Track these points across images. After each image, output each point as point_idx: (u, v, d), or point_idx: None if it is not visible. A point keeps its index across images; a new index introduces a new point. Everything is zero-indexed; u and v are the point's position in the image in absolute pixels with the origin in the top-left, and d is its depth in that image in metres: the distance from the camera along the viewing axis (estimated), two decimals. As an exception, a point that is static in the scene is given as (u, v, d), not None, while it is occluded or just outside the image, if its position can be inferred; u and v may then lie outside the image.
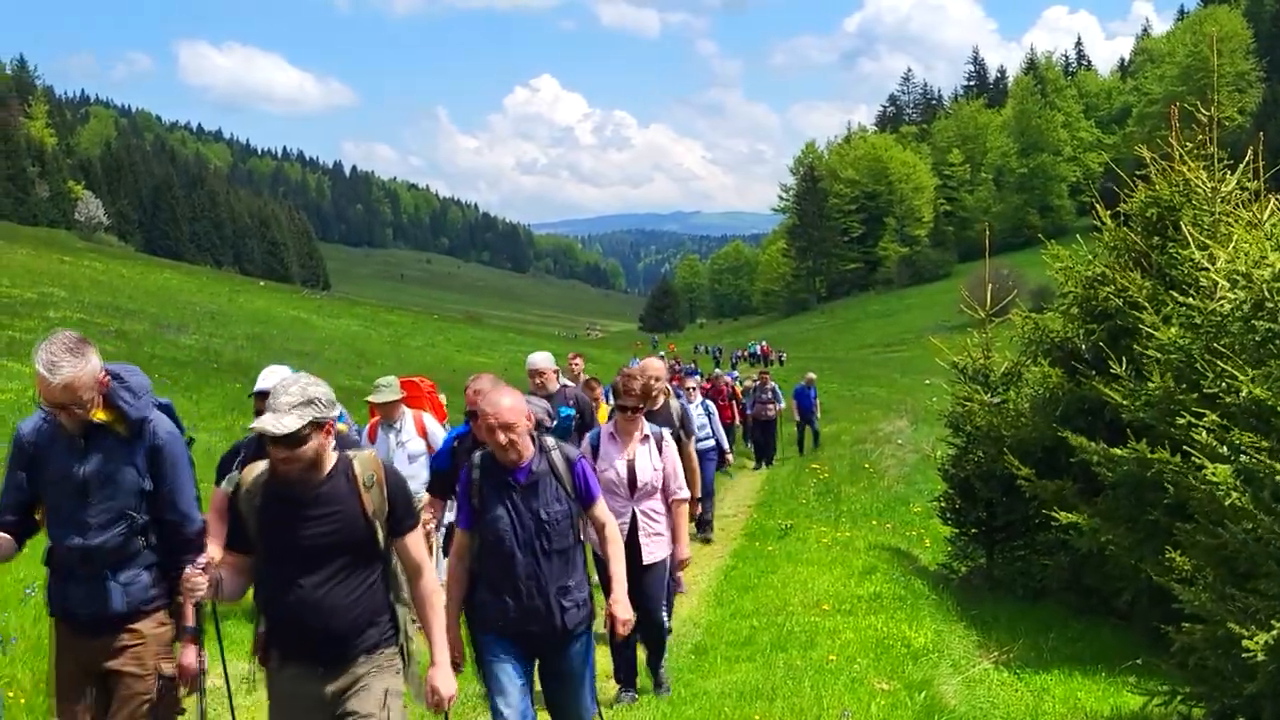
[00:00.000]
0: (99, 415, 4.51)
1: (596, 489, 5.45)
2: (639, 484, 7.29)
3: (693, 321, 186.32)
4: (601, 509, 5.48)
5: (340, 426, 7.37)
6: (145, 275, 68.76)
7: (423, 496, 7.36)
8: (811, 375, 29.55)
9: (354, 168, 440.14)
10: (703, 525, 14.29)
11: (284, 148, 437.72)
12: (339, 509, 4.20)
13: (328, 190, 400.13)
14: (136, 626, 4.59)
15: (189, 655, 4.68)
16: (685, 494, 7.61)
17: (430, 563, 4.53)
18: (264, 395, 6.06)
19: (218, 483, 6.18)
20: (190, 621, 4.67)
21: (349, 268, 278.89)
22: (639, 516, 7.28)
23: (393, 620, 4.40)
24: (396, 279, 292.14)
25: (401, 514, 4.36)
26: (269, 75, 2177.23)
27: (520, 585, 5.10)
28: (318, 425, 4.11)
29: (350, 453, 4.35)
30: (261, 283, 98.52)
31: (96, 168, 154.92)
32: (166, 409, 4.83)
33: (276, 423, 4.01)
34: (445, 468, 6.55)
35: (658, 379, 9.46)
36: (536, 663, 5.37)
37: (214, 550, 4.51)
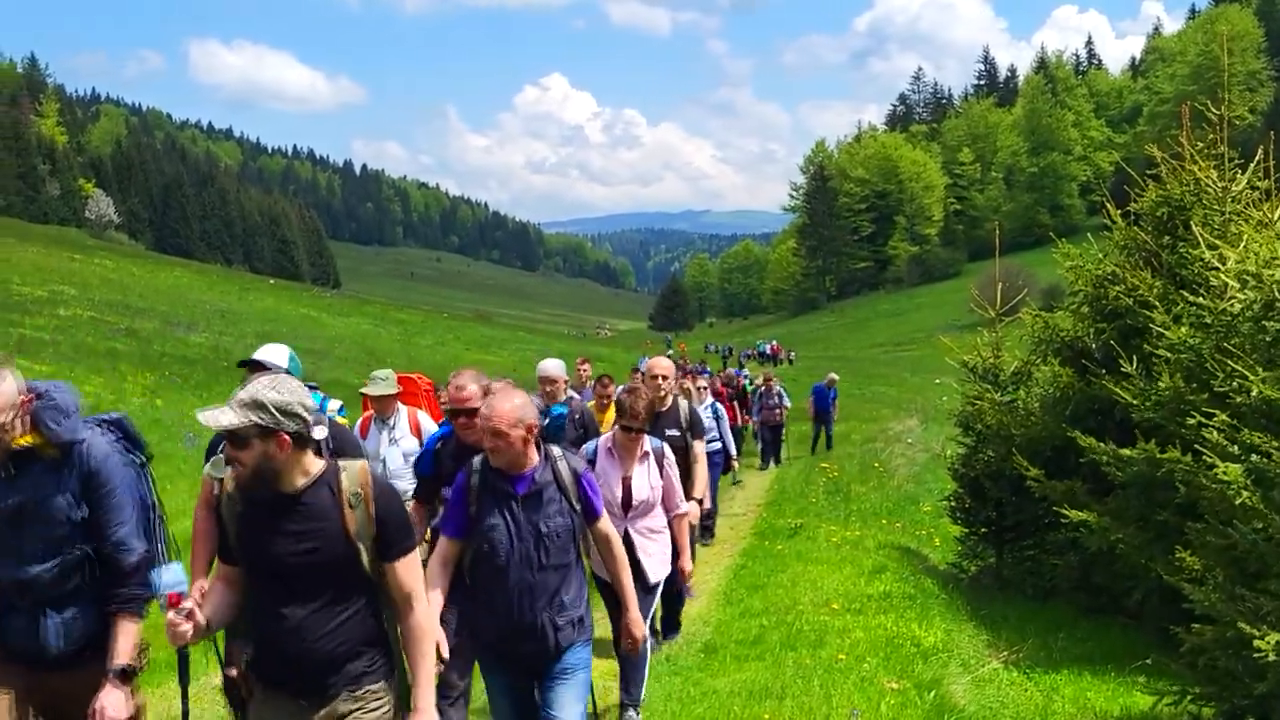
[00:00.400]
0: (25, 440, 4.16)
1: (600, 505, 5.17)
2: (634, 503, 7.03)
3: (702, 320, 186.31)
4: (606, 524, 5.20)
5: (340, 420, 7.26)
6: (155, 273, 69.05)
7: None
8: (834, 376, 29.10)
9: (364, 166, 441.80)
10: (703, 531, 13.97)
11: (294, 146, 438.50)
12: (320, 526, 3.83)
13: (338, 188, 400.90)
14: (83, 675, 4.24)
15: (113, 699, 4.18)
16: (685, 508, 7.45)
17: (424, 595, 4.11)
18: (253, 365, 5.83)
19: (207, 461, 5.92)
20: (121, 660, 4.22)
21: (359, 266, 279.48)
22: (634, 536, 6.98)
23: (386, 654, 4.02)
24: (406, 277, 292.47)
25: (392, 536, 3.93)
26: (279, 73, 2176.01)
27: (512, 600, 4.83)
28: (263, 431, 3.71)
29: (342, 463, 3.98)
30: (271, 281, 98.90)
31: (107, 166, 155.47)
32: (117, 425, 4.53)
33: (213, 414, 3.71)
34: (429, 472, 6.19)
35: (665, 377, 9.35)
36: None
37: (203, 583, 4.17)
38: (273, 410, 3.70)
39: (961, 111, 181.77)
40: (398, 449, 8.77)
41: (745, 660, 8.60)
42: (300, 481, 3.84)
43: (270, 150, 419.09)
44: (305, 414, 3.79)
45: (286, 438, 3.74)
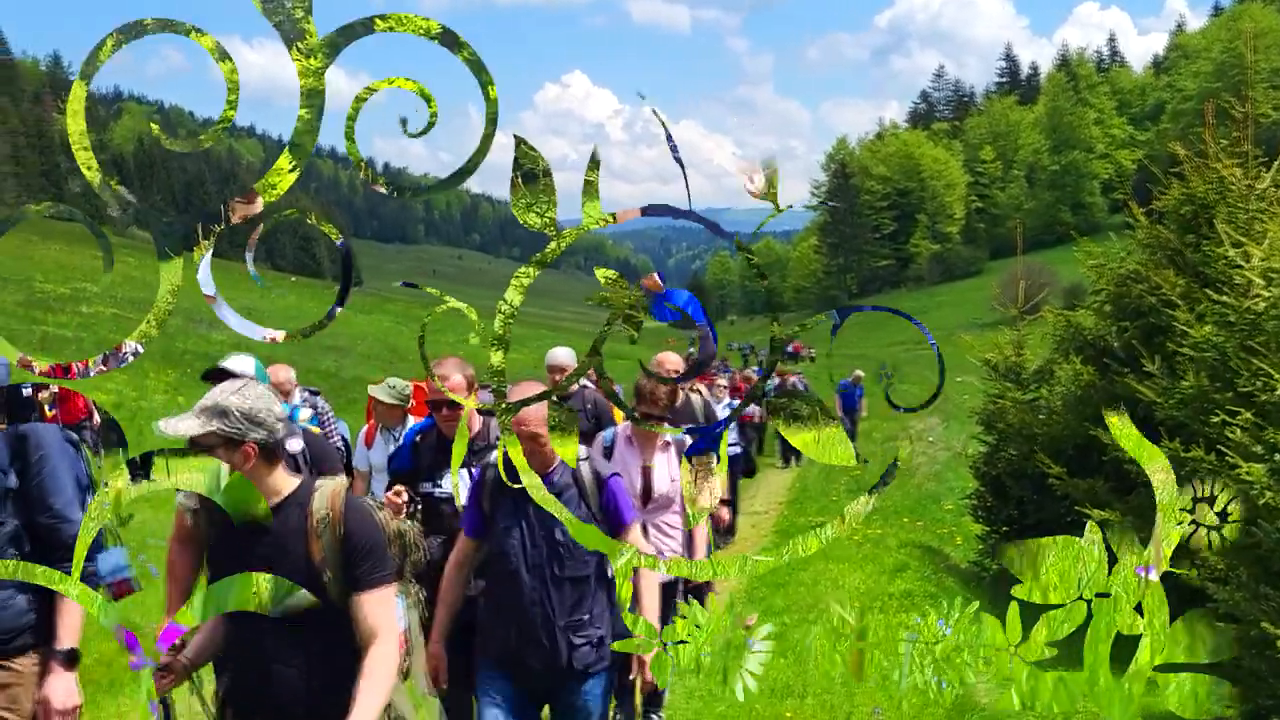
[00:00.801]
0: None
1: (629, 513, 4.82)
2: (654, 494, 6.59)
3: (723, 318, 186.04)
4: (636, 537, 4.80)
5: (312, 429, 7.10)
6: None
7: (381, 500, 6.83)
8: (859, 373, 28.78)
9: (386, 164, 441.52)
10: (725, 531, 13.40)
11: (315, 144, 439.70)
12: (285, 549, 3.48)
13: (359, 186, 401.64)
14: (11, 664, 3.94)
15: (58, 687, 3.91)
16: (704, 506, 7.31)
17: (393, 636, 3.58)
18: (219, 375, 5.43)
19: None
20: (64, 644, 3.93)
21: (381, 264, 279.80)
22: (650, 531, 6.52)
23: None
24: (428, 275, 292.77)
25: (361, 567, 3.50)
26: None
27: (525, 612, 4.59)
28: (227, 441, 3.39)
29: (320, 481, 3.63)
30: (293, 278, 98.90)
31: (129, 163, 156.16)
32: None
33: (173, 423, 3.38)
34: (408, 467, 5.86)
35: (676, 371, 9.23)
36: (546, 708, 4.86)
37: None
38: (237, 417, 3.40)
39: (983, 109, 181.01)
40: None
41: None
42: (271, 500, 3.53)
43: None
44: (274, 423, 3.49)
45: (252, 448, 3.44)
